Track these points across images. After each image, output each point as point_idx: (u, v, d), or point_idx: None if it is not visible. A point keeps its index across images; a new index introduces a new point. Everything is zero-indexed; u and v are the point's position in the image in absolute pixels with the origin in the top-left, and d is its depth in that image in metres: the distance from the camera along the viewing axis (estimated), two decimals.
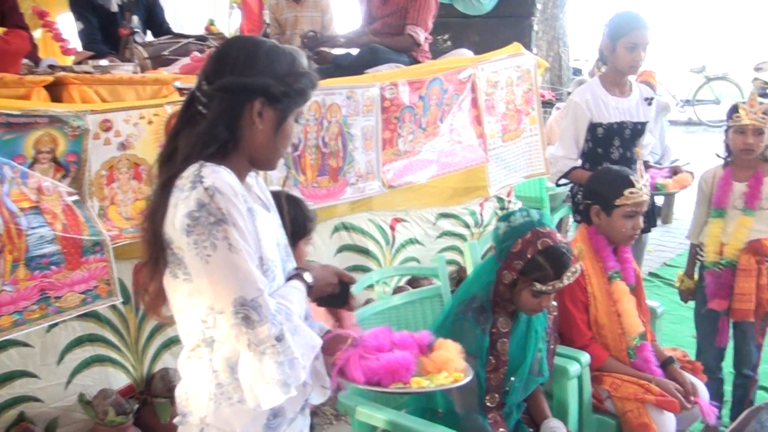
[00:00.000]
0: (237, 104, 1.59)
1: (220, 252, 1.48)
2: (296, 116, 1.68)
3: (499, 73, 4.39)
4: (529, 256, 2.24)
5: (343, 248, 3.78)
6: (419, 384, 1.71)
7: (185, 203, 1.50)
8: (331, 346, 1.74)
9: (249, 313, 1.48)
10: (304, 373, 1.56)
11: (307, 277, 1.69)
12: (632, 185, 2.77)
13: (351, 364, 1.68)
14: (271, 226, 1.70)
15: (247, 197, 1.59)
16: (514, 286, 2.29)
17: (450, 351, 1.82)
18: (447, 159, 4.13)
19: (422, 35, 4.31)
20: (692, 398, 2.75)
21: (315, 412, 3.47)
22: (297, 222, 2.11)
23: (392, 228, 4.07)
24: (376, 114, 3.69)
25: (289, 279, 1.70)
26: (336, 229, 3.78)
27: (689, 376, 2.86)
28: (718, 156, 3.36)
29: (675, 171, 3.63)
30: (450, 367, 1.77)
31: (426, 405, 2.38)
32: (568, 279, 2.26)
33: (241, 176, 1.68)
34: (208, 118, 1.58)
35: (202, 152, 1.56)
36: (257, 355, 1.50)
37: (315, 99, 3.41)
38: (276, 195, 1.84)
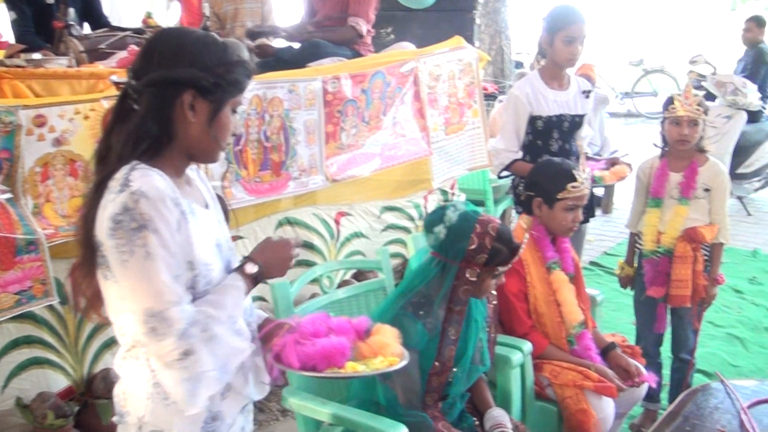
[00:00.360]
0: (166, 99, 1.56)
1: (137, 259, 1.47)
2: (233, 106, 1.66)
3: (441, 67, 4.41)
4: (489, 246, 2.24)
5: None
6: (354, 368, 1.71)
7: (112, 206, 1.49)
8: (270, 336, 1.73)
9: (156, 325, 1.47)
10: (217, 384, 1.56)
11: (250, 268, 1.68)
12: (574, 179, 2.81)
13: (287, 351, 1.66)
14: (210, 225, 1.67)
15: (180, 200, 1.56)
16: (477, 279, 2.30)
17: (387, 336, 1.81)
18: (390, 152, 4.14)
19: (364, 27, 4.31)
20: (637, 379, 2.81)
21: (261, 408, 3.45)
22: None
23: (337, 222, 4.06)
24: (318, 108, 3.67)
25: (233, 270, 1.68)
26: (280, 224, 3.75)
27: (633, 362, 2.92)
28: (655, 146, 3.43)
29: (613, 162, 3.69)
30: (387, 352, 1.77)
31: (370, 399, 2.38)
32: (520, 252, 2.31)
33: (179, 171, 1.65)
34: (139, 114, 1.56)
35: (134, 150, 1.54)
36: (163, 367, 1.51)
37: (256, 93, 3.37)
38: None
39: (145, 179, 1.50)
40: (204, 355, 1.50)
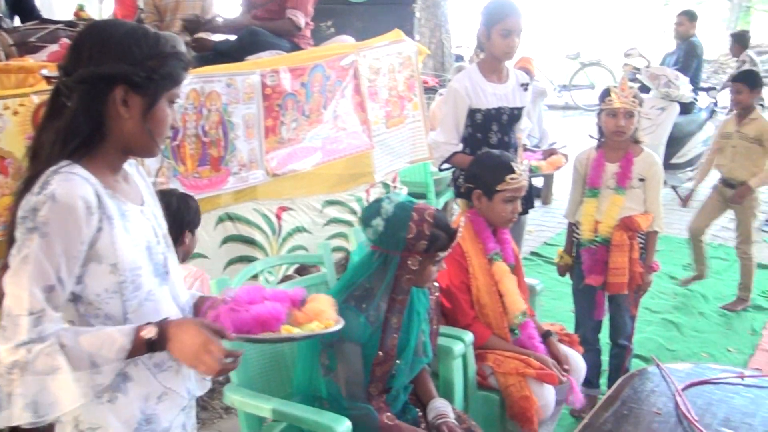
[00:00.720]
0: (97, 95, 1.52)
1: (17, 258, 1.45)
2: (170, 99, 1.62)
3: (381, 60, 4.41)
4: (428, 233, 2.26)
5: (228, 239, 3.71)
6: (288, 331, 1.70)
7: (23, 205, 1.47)
8: (204, 313, 1.71)
9: (6, 326, 1.43)
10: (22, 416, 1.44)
11: (147, 332, 1.51)
12: (513, 171, 2.84)
13: (221, 319, 1.63)
14: (141, 226, 1.63)
15: (106, 203, 1.53)
16: (419, 267, 2.31)
17: (323, 303, 1.80)
18: (332, 146, 4.12)
19: (302, 19, 4.28)
20: (566, 366, 2.86)
21: (203, 406, 3.41)
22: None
23: (278, 217, 4.02)
24: (257, 101, 3.63)
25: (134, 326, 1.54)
26: (220, 220, 3.69)
27: (566, 348, 2.98)
28: (591, 138, 3.50)
29: (550, 153, 3.76)
30: (322, 318, 1.77)
31: (313, 394, 2.37)
32: (459, 235, 2.33)
33: (115, 168, 1.62)
34: (70, 111, 1.52)
35: (64, 148, 1.50)
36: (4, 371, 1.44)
37: (193, 87, 3.32)
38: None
39: (64, 184, 1.46)
40: (28, 382, 1.42)
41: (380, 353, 2.32)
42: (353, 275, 2.38)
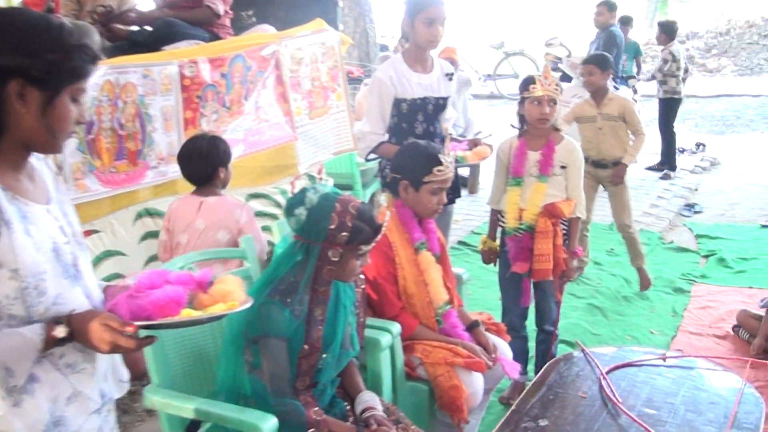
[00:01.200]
0: None
1: None
2: (73, 95, 1.54)
3: (303, 50, 4.36)
4: (350, 225, 2.24)
5: (147, 235, 3.61)
6: (189, 314, 1.63)
7: None
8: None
9: None
10: None
11: (59, 331, 1.48)
12: (440, 163, 2.84)
13: (118, 306, 1.56)
14: (46, 227, 1.56)
15: (5, 209, 1.46)
16: (341, 259, 2.29)
17: (230, 284, 1.74)
18: (254, 138, 4.06)
19: (221, 6, 4.19)
20: (494, 356, 2.89)
21: (125, 410, 3.31)
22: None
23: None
24: (175, 93, 3.54)
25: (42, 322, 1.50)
26: (139, 216, 3.59)
27: (493, 337, 3.01)
28: (512, 127, 3.54)
29: (475, 143, 3.77)
30: (228, 299, 1.71)
31: (238, 391, 2.33)
32: (383, 230, 2.31)
33: (17, 165, 1.54)
34: None
35: None
36: None
37: (108, 78, 3.21)
38: None
39: None
40: None
41: (305, 346, 2.29)
42: (276, 268, 2.35)
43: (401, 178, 2.89)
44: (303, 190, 2.32)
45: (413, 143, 3.00)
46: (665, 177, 8.24)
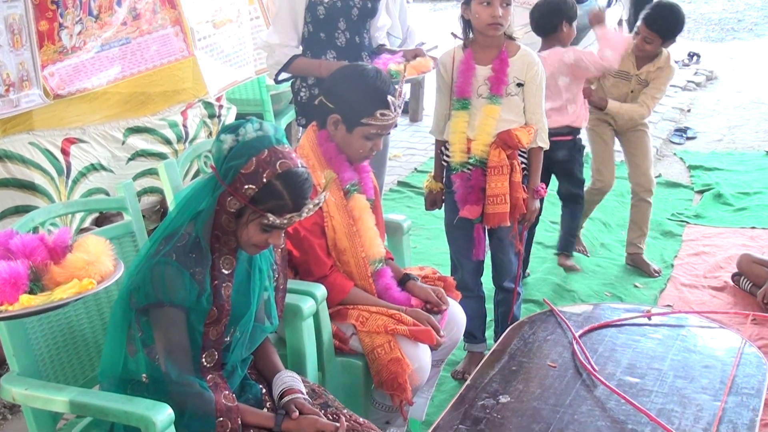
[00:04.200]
0: None
1: None
2: None
3: None
4: (264, 180, 2.21)
5: None
6: (28, 303, 1.60)
7: None
8: None
9: None
10: None
11: None
12: (387, 106, 2.82)
13: None
14: None
15: None
16: (239, 217, 2.27)
17: (91, 252, 1.71)
18: (134, 55, 4.01)
19: None
20: (444, 307, 2.95)
21: None
22: None
23: (65, 152, 3.88)
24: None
25: None
26: None
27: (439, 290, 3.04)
28: (454, 36, 3.52)
29: (414, 54, 3.74)
30: (90, 272, 1.67)
31: (125, 377, 2.32)
32: (307, 212, 2.28)
33: None
34: None
35: None
36: None
37: None
38: None
39: None
40: None
41: (214, 309, 2.29)
42: (174, 220, 2.31)
43: (333, 110, 2.86)
44: (249, 120, 2.30)
45: (360, 72, 2.91)
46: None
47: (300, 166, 2.28)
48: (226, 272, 2.33)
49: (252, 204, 2.22)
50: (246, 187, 2.21)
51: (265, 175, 2.20)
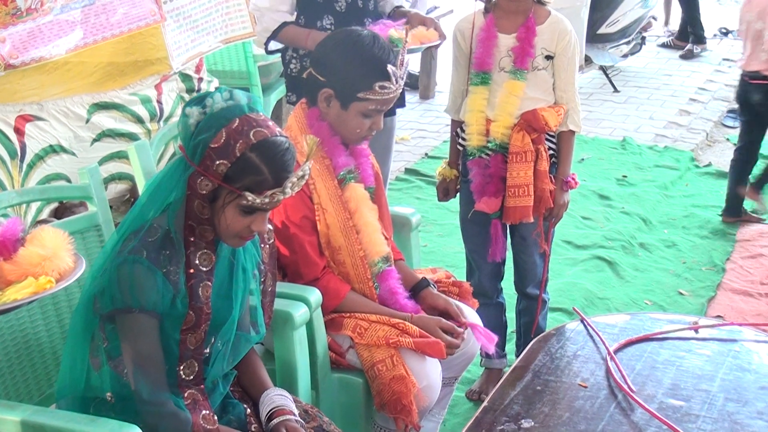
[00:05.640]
0: None
1: None
2: None
3: None
4: (237, 153, 2.18)
5: None
6: None
7: None
8: None
9: None
10: None
11: None
12: (387, 77, 2.81)
13: None
14: None
15: None
16: (214, 201, 2.26)
17: (47, 245, 1.71)
18: (98, 19, 4.02)
19: None
20: (463, 320, 2.94)
21: None
22: None
23: (19, 131, 3.90)
24: None
25: None
26: None
27: (455, 302, 3.04)
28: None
29: (420, 20, 3.69)
30: (46, 268, 1.68)
31: (87, 395, 2.33)
32: (291, 186, 2.26)
33: None
34: None
35: None
36: None
37: None
38: None
39: None
40: None
41: (191, 313, 2.28)
42: (143, 210, 2.31)
43: (325, 84, 2.85)
44: (218, 89, 2.28)
45: (356, 39, 2.90)
46: (687, 55, 8.32)
47: (278, 134, 2.25)
48: (204, 268, 2.32)
49: (226, 182, 2.20)
50: (217, 163, 2.19)
51: (237, 147, 2.18)
